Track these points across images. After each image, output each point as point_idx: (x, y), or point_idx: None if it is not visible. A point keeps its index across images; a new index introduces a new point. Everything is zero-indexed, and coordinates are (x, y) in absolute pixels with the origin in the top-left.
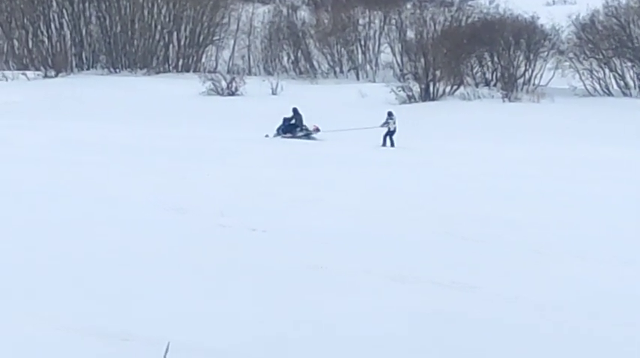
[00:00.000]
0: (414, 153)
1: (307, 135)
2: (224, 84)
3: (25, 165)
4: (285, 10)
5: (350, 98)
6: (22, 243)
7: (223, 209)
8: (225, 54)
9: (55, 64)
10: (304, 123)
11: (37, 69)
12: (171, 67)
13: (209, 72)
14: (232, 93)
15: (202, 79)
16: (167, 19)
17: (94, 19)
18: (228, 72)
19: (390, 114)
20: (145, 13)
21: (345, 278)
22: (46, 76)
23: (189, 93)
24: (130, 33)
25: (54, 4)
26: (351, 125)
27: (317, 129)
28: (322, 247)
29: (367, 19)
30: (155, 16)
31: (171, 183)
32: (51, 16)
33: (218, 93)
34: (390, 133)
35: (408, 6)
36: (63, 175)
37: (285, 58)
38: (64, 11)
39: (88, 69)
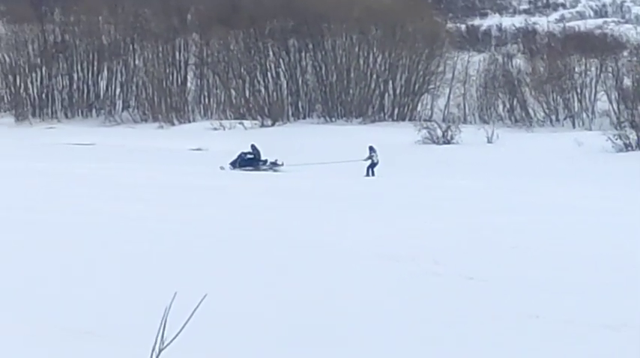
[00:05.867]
0: (620, 203)
1: (272, 168)
2: (439, 132)
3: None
4: (500, 59)
5: (566, 147)
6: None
7: (438, 256)
8: (441, 102)
9: (272, 113)
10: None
11: (254, 118)
12: (386, 116)
13: (424, 120)
14: (448, 142)
15: (418, 128)
16: (382, 68)
17: (310, 68)
18: (444, 120)
19: (371, 148)
20: (361, 62)
21: (562, 327)
22: (262, 125)
23: (405, 142)
24: (345, 82)
25: (270, 53)
26: (567, 175)
27: (282, 164)
28: (539, 295)
29: (583, 67)
30: (371, 65)
31: (385, 231)
32: (268, 66)
33: (433, 142)
34: (373, 165)
35: (625, 53)
36: (272, 219)
37: (501, 106)
38: (281, 61)
39: (304, 118)
